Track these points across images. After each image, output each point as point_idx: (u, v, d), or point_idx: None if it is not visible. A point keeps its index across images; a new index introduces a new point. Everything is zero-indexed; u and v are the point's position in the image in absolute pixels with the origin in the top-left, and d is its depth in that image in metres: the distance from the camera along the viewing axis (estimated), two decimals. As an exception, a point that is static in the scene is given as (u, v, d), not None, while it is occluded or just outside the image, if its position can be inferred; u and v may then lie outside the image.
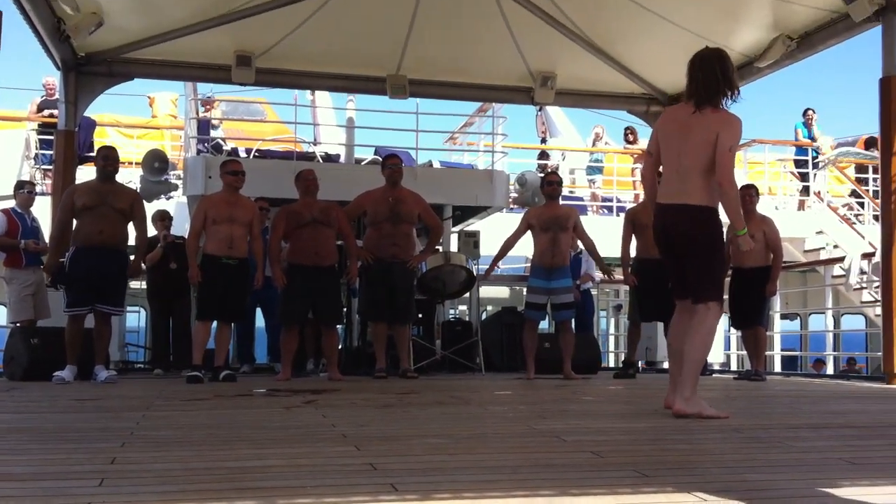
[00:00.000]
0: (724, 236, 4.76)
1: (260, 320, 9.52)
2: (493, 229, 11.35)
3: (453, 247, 10.27)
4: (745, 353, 9.23)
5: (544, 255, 8.17)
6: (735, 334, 10.31)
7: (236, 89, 11.83)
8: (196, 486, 2.56)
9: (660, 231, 4.73)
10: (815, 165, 15.02)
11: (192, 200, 9.95)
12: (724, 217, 4.61)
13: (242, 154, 11.38)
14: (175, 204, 11.89)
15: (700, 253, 4.60)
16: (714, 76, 4.61)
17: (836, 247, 13.65)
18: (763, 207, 14.02)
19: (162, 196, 11.49)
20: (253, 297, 8.21)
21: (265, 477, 2.68)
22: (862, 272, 11.24)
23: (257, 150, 11.85)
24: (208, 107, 13.38)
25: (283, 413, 4.75)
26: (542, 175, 11.23)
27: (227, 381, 7.17)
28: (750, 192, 8.50)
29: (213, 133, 12.52)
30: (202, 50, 10.05)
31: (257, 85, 10.83)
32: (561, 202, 8.85)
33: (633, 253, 8.40)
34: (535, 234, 8.26)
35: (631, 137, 15.76)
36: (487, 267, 8.78)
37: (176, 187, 11.77)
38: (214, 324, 7.54)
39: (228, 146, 12.12)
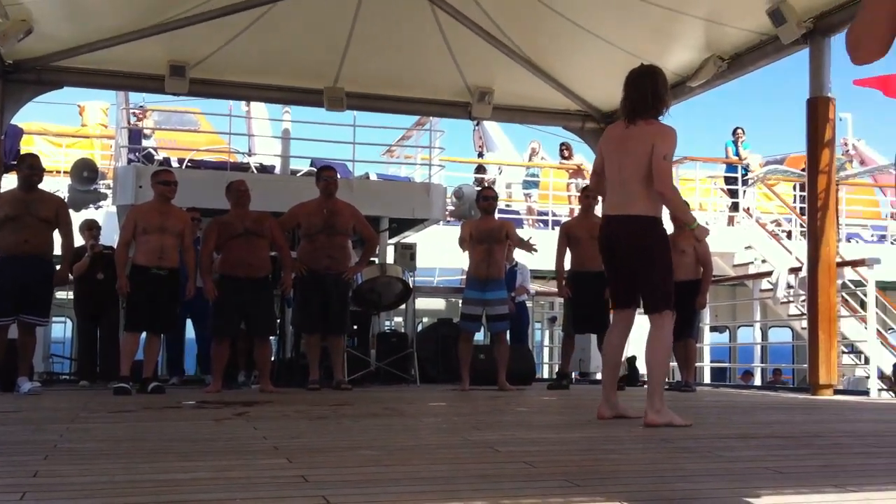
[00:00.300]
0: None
1: (190, 331, 9.37)
2: (430, 242, 11.38)
3: (389, 259, 10.26)
4: (675, 364, 9.38)
5: (479, 267, 8.21)
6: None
7: (169, 99, 11.66)
8: (122, 499, 2.49)
9: (604, 242, 4.84)
10: (745, 182, 15.38)
11: (121, 210, 9.78)
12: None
13: (175, 164, 11.21)
14: (104, 213, 11.67)
15: (647, 262, 4.72)
16: (645, 92, 4.79)
17: (764, 261, 13.98)
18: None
19: (91, 205, 11.26)
20: (183, 307, 8.09)
21: (194, 490, 2.63)
22: (789, 286, 11.54)
23: (190, 161, 11.69)
24: (140, 116, 13.15)
25: (212, 425, 4.67)
26: (478, 189, 11.29)
27: (156, 393, 7.05)
28: None
29: (144, 143, 12.31)
30: (135, 59, 9.87)
31: (191, 95, 10.68)
32: (497, 216, 8.91)
33: (567, 266, 8.48)
34: (470, 246, 8.30)
35: (566, 153, 15.95)
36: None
37: (105, 197, 11.55)
38: (143, 335, 7.41)
39: (160, 156, 11.93)
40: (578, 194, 10.56)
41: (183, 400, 6.31)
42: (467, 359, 8.34)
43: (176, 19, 9.06)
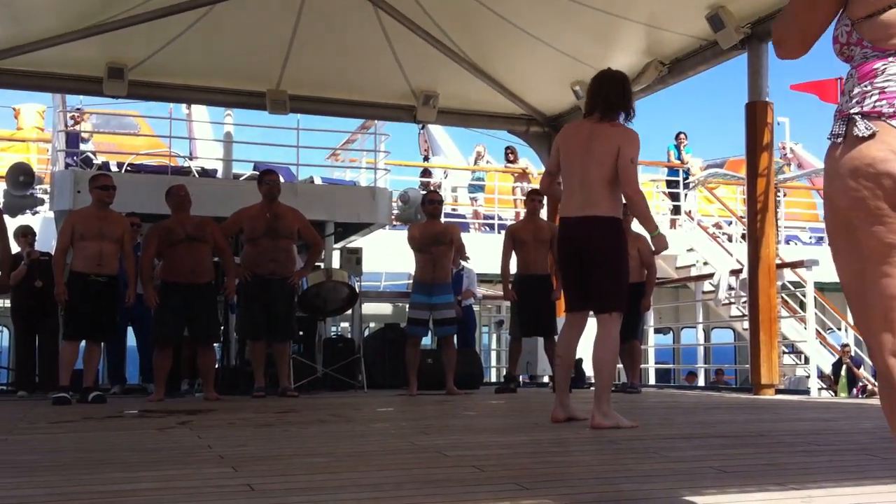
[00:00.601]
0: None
1: (131, 339, 9.20)
2: (376, 246, 11.33)
3: (335, 263, 10.19)
4: (621, 366, 9.47)
5: (425, 272, 8.21)
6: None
7: (108, 102, 11.44)
8: (61, 512, 2.43)
9: (569, 244, 4.82)
10: (686, 186, 15.61)
11: (59, 215, 9.56)
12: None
13: (114, 168, 11.00)
14: (41, 219, 11.40)
15: (609, 263, 4.76)
16: (618, 94, 4.84)
17: (706, 264, 14.19)
18: (637, 226, 14.53)
19: (27, 211, 11.01)
20: (124, 315, 7.94)
21: (137, 500, 2.58)
22: (730, 288, 11.72)
23: (130, 165, 11.48)
24: (78, 119, 12.90)
25: (156, 434, 4.59)
26: (424, 193, 11.29)
27: (97, 403, 6.92)
28: (625, 212, 8.79)
29: (82, 146, 12.06)
30: (72, 61, 9.66)
31: (130, 98, 10.48)
32: (443, 220, 8.91)
33: (513, 269, 8.52)
34: (416, 251, 8.29)
35: (512, 157, 16.03)
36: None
37: (42, 202, 11.30)
38: (83, 343, 7.25)
39: (99, 160, 11.70)
40: (524, 198, 10.61)
41: (125, 409, 6.20)
42: (415, 363, 8.32)
43: (114, 20, 8.88)
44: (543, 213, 9.34)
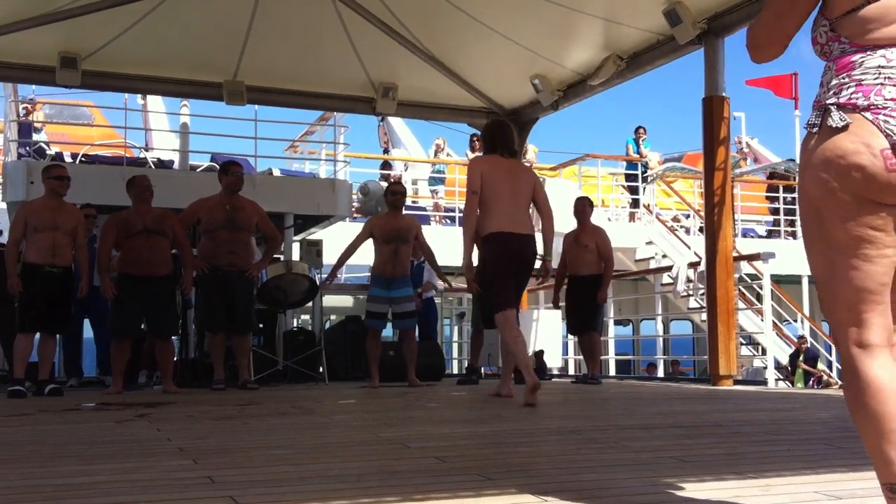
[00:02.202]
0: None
1: (88, 331, 9.06)
2: (336, 238, 11.26)
3: (295, 256, 10.13)
4: (581, 357, 9.55)
5: (385, 266, 8.17)
6: (572, 339, 10.64)
7: (61, 91, 11.23)
8: (16, 506, 2.38)
9: (514, 253, 5.85)
10: (644, 180, 15.74)
11: (11, 207, 9.38)
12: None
13: (68, 159, 10.81)
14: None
15: (531, 271, 6.08)
16: (512, 139, 6.38)
17: (664, 256, 14.33)
18: (596, 219, 14.63)
19: (-21, 202, 10.77)
20: (80, 307, 7.82)
21: (94, 493, 2.54)
22: (689, 280, 11.84)
23: (84, 155, 11.29)
24: (30, 109, 12.65)
25: (113, 427, 4.52)
26: (385, 184, 11.25)
27: (53, 395, 6.83)
28: (583, 204, 8.89)
29: (35, 136, 11.84)
30: (24, 50, 9.45)
31: (84, 87, 10.29)
32: (404, 212, 8.88)
33: (475, 261, 8.51)
34: (376, 243, 8.25)
35: (478, 144, 15.98)
36: (328, 275, 8.74)
37: (-6, 193, 11.06)
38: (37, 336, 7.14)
39: (52, 150, 11.49)
40: None
41: (82, 402, 6.12)
42: (376, 356, 8.30)
43: (67, 8, 8.70)
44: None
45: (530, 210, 6.13)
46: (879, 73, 1.84)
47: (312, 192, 10.81)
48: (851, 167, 1.81)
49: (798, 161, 2.01)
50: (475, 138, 15.89)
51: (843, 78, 1.88)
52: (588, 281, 8.62)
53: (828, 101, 1.88)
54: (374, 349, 8.30)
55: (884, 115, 1.81)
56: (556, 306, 9.49)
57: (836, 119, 1.84)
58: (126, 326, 7.41)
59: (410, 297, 8.35)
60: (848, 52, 1.90)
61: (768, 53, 2.07)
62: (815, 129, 1.90)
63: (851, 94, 1.85)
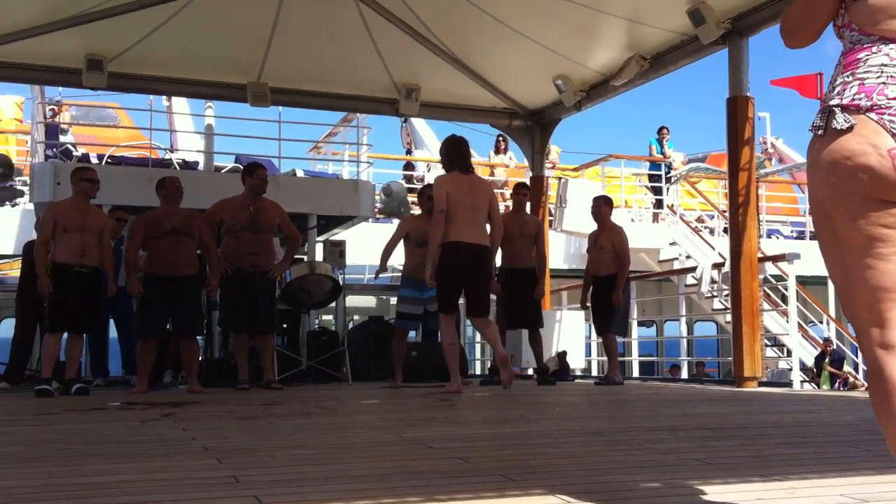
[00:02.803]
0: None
1: (113, 331, 9.14)
2: (359, 239, 11.32)
3: (319, 256, 10.16)
4: (604, 358, 9.52)
5: (418, 269, 7.93)
6: (596, 340, 10.60)
7: (87, 93, 11.35)
8: (44, 504, 2.41)
9: (464, 262, 6.76)
10: (668, 180, 15.66)
11: (39, 207, 9.49)
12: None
13: (94, 160, 10.92)
14: (21, 211, 11.31)
15: (490, 280, 7.14)
16: (468, 153, 7.08)
17: (688, 257, 14.24)
18: (619, 219, 14.56)
19: (7, 203, 10.92)
20: (106, 306, 7.89)
21: (120, 492, 2.55)
22: (713, 281, 11.77)
23: (110, 157, 11.40)
24: (56, 111, 12.78)
25: (139, 426, 4.55)
26: (409, 187, 11.26)
27: (80, 395, 6.87)
28: (598, 204, 8.86)
29: (62, 138, 11.96)
30: (50, 52, 9.56)
31: (110, 90, 10.39)
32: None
33: (498, 262, 8.50)
34: (408, 245, 8.24)
35: (503, 145, 15.95)
36: (376, 271, 8.85)
37: (22, 194, 11.22)
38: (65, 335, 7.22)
39: (79, 152, 11.61)
40: (510, 191, 10.61)
41: (108, 401, 6.16)
42: (401, 356, 8.31)
43: (93, 11, 8.78)
44: (529, 208, 9.38)
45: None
46: (882, 72, 1.83)
47: (336, 192, 10.85)
48: (859, 168, 1.80)
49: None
50: (500, 139, 15.89)
51: (847, 77, 1.88)
52: (605, 281, 8.59)
53: (831, 103, 1.87)
54: (399, 350, 8.30)
55: (888, 114, 1.79)
56: (584, 307, 9.45)
57: (840, 121, 1.83)
58: (152, 326, 7.46)
59: None
60: (855, 46, 1.89)
61: (803, 38, 2.05)
62: (819, 132, 1.88)
63: (854, 94, 1.84)
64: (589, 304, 9.18)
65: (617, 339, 8.89)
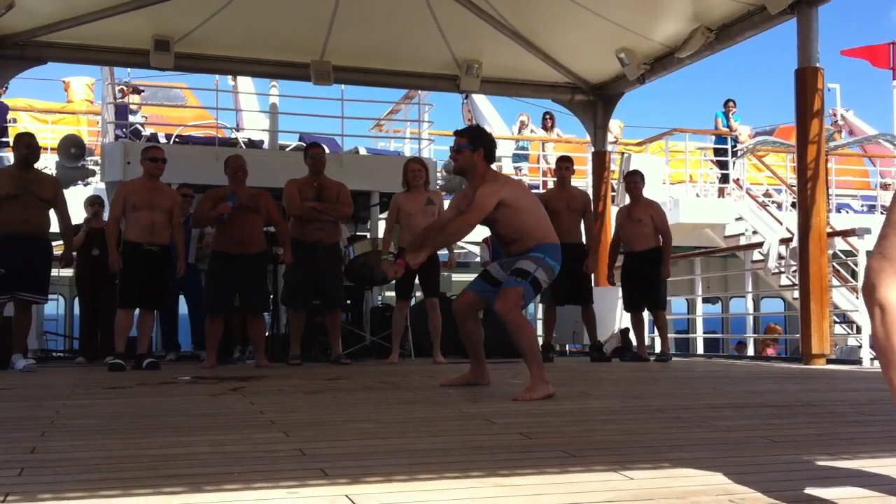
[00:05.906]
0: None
1: (183, 307, 9.35)
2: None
3: (381, 234, 10.21)
4: (655, 335, 9.40)
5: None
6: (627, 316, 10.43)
7: (155, 74, 11.56)
8: (118, 474, 2.49)
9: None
10: (734, 154, 15.38)
11: (110, 187, 9.73)
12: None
13: (162, 139, 11.14)
14: (92, 190, 11.60)
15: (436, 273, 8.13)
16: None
17: (755, 233, 13.99)
18: (684, 194, 14.36)
19: (79, 182, 11.21)
20: (176, 283, 8.07)
21: (191, 464, 2.63)
22: (780, 257, 11.54)
23: (178, 136, 11.61)
24: (126, 92, 13.06)
25: (208, 400, 4.67)
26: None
27: (151, 369, 7.05)
28: (635, 179, 8.72)
29: (131, 118, 12.22)
30: (119, 34, 9.76)
31: (177, 70, 10.57)
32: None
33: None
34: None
35: (550, 122, 15.92)
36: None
37: (93, 173, 11.49)
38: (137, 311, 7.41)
39: (148, 132, 11.85)
40: (553, 166, 10.45)
41: (178, 375, 6.31)
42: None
43: (161, -7, 8.95)
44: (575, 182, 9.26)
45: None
46: None
47: (398, 170, 10.86)
48: None
49: None
50: (547, 116, 15.80)
51: None
52: (645, 256, 8.47)
53: None
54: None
55: None
56: (611, 283, 9.33)
57: None
58: (219, 303, 7.60)
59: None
60: None
61: None
62: None
63: None
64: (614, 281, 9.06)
65: (661, 314, 8.78)
